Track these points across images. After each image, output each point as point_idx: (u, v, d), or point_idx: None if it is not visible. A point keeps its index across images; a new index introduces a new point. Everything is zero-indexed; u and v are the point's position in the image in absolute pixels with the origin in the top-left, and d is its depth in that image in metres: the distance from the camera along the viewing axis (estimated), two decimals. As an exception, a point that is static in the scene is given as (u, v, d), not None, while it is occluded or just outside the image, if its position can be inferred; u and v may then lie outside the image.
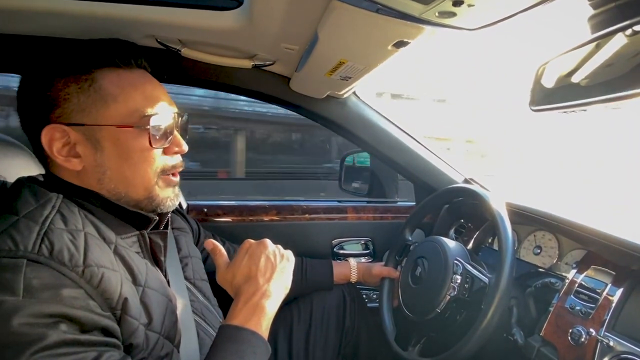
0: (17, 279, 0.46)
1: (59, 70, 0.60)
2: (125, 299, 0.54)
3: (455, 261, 0.90)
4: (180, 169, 0.68)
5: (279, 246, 0.71)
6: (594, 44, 0.49)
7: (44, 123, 0.59)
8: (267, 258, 0.66)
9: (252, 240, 0.69)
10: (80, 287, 0.50)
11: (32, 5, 0.74)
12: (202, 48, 0.92)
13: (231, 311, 0.63)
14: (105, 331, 0.52)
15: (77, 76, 0.60)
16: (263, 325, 0.61)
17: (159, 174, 0.64)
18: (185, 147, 0.67)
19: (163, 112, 0.63)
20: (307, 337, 1.00)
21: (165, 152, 0.65)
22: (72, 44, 0.65)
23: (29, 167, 0.77)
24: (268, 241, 0.69)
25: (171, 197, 0.67)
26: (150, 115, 0.61)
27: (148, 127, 0.61)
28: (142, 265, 0.61)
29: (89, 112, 0.59)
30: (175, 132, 0.66)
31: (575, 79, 0.54)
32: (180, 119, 0.67)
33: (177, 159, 0.67)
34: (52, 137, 0.59)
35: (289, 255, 0.71)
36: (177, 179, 0.68)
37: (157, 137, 0.62)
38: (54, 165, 0.62)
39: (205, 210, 1.23)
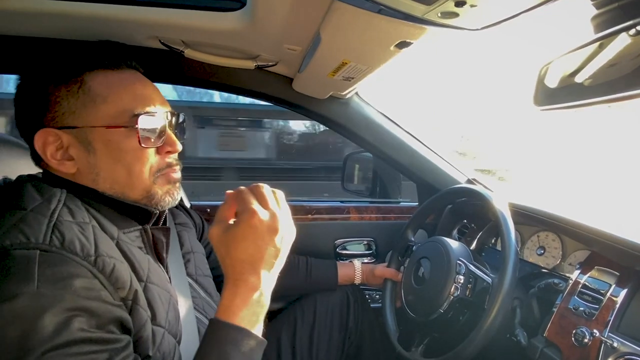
0: (31, 270, 0.47)
1: (48, 75, 0.60)
2: (136, 290, 0.55)
3: (458, 261, 0.90)
4: (177, 168, 0.67)
5: (288, 222, 0.58)
6: (597, 43, 0.48)
7: (37, 127, 0.60)
8: (276, 246, 0.55)
9: (260, 212, 0.54)
10: (94, 276, 0.50)
11: (34, 7, 0.74)
12: (205, 49, 0.92)
13: (225, 299, 0.54)
14: (119, 325, 0.52)
15: (66, 80, 0.60)
16: (260, 319, 0.56)
17: (155, 173, 0.64)
18: (179, 147, 0.66)
19: (153, 111, 0.63)
20: (310, 338, 1.00)
21: (159, 151, 0.64)
22: (62, 47, 0.64)
23: (34, 168, 0.77)
24: (279, 221, 0.56)
25: (171, 192, 0.66)
26: (139, 115, 0.60)
27: (137, 126, 0.60)
28: (144, 260, 0.61)
29: (79, 115, 0.60)
30: (169, 132, 0.65)
31: (579, 78, 0.53)
32: (173, 118, 0.67)
33: (172, 158, 0.66)
34: (45, 141, 0.60)
35: (293, 232, 0.59)
36: (177, 175, 0.67)
37: (148, 137, 0.61)
38: (49, 168, 0.62)
39: (208, 210, 1.24)
